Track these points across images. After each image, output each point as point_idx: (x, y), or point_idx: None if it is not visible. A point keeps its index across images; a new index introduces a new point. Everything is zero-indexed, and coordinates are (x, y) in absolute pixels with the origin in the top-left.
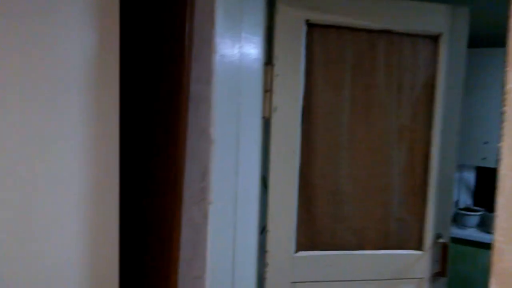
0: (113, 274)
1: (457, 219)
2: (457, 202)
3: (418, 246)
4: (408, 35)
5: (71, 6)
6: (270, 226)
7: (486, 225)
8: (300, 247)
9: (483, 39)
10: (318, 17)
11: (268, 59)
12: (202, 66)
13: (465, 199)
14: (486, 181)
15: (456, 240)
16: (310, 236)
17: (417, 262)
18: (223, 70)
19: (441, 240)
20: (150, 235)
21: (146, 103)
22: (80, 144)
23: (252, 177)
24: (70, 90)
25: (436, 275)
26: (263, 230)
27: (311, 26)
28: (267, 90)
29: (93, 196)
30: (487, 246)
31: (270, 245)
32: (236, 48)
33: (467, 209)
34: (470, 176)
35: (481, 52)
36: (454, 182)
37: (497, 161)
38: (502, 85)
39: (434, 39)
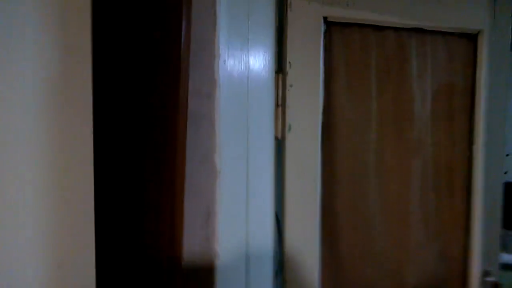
0: None
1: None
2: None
3: (461, 286)
4: (443, 33)
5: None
6: (288, 274)
7: (508, 246)
8: None
9: None
10: (338, 14)
11: (280, 66)
12: (202, 76)
13: None
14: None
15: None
16: (336, 283)
17: None
18: (228, 81)
19: (489, 279)
20: None
21: (134, 124)
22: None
23: (265, 214)
24: (29, 112)
25: None
26: (278, 273)
27: (329, 24)
28: (279, 104)
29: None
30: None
31: None
32: (243, 54)
33: None
34: None
35: None
36: (500, 209)
37: None
38: None
39: (473, 38)
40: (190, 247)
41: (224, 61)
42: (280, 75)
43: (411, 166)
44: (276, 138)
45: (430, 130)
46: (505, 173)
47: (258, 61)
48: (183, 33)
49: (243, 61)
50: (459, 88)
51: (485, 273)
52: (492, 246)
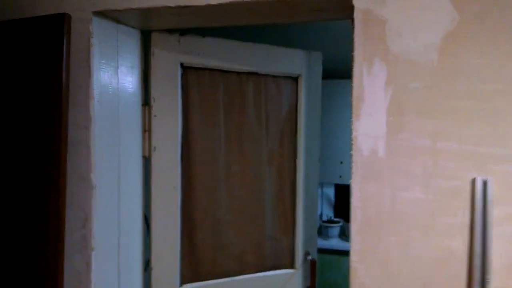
0: None
1: (321, 231)
2: (321, 215)
3: (291, 264)
4: (273, 76)
5: None
6: (154, 263)
7: (345, 234)
8: (185, 279)
9: (334, 72)
10: (192, 60)
11: (146, 100)
12: (80, 112)
13: (328, 212)
14: (343, 196)
15: (322, 251)
16: (194, 268)
17: (290, 279)
18: (101, 113)
19: (309, 257)
20: (32, 286)
21: (24, 151)
22: None
23: (134, 217)
24: None
25: None
26: (146, 267)
27: (185, 68)
28: (146, 130)
29: None
30: (348, 254)
31: (155, 282)
32: (114, 91)
33: (329, 221)
34: (330, 191)
35: (333, 83)
36: (317, 204)
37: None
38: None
39: (295, 79)
40: (70, 243)
41: (98, 100)
42: (147, 107)
43: (251, 175)
44: (144, 157)
45: (266, 148)
46: (340, 176)
47: (127, 97)
48: (63, 81)
49: (115, 98)
50: (287, 116)
51: (307, 253)
52: (311, 234)
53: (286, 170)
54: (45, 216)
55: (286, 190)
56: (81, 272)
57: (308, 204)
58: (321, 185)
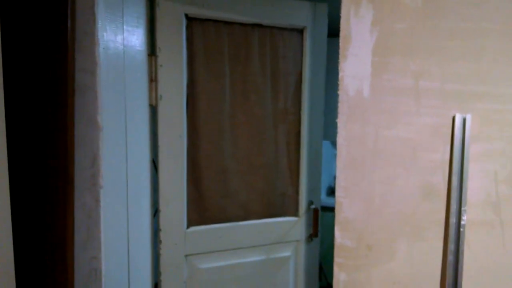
0: (8, 262)
1: (333, 191)
2: (334, 176)
3: (295, 213)
4: (278, 28)
5: None
6: (162, 206)
7: None
8: (192, 223)
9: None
10: (196, 11)
11: (152, 50)
12: (86, 57)
13: None
14: None
15: (332, 209)
16: (200, 212)
17: (294, 226)
18: (107, 61)
19: (312, 206)
20: (44, 221)
21: (32, 95)
22: None
23: (142, 161)
24: None
25: (310, 237)
26: (156, 212)
27: (190, 19)
28: (152, 79)
29: None
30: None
31: (163, 224)
32: (119, 40)
33: None
34: None
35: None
36: (321, 156)
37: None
38: None
39: (300, 31)
40: (80, 181)
41: (104, 47)
42: (152, 57)
43: (256, 127)
44: (151, 105)
45: (271, 100)
46: None
47: (133, 46)
48: (69, 28)
49: (120, 46)
50: (292, 69)
51: (310, 203)
52: (315, 184)
53: (291, 122)
54: (56, 153)
55: (291, 142)
56: (91, 208)
57: (312, 156)
58: (335, 144)
